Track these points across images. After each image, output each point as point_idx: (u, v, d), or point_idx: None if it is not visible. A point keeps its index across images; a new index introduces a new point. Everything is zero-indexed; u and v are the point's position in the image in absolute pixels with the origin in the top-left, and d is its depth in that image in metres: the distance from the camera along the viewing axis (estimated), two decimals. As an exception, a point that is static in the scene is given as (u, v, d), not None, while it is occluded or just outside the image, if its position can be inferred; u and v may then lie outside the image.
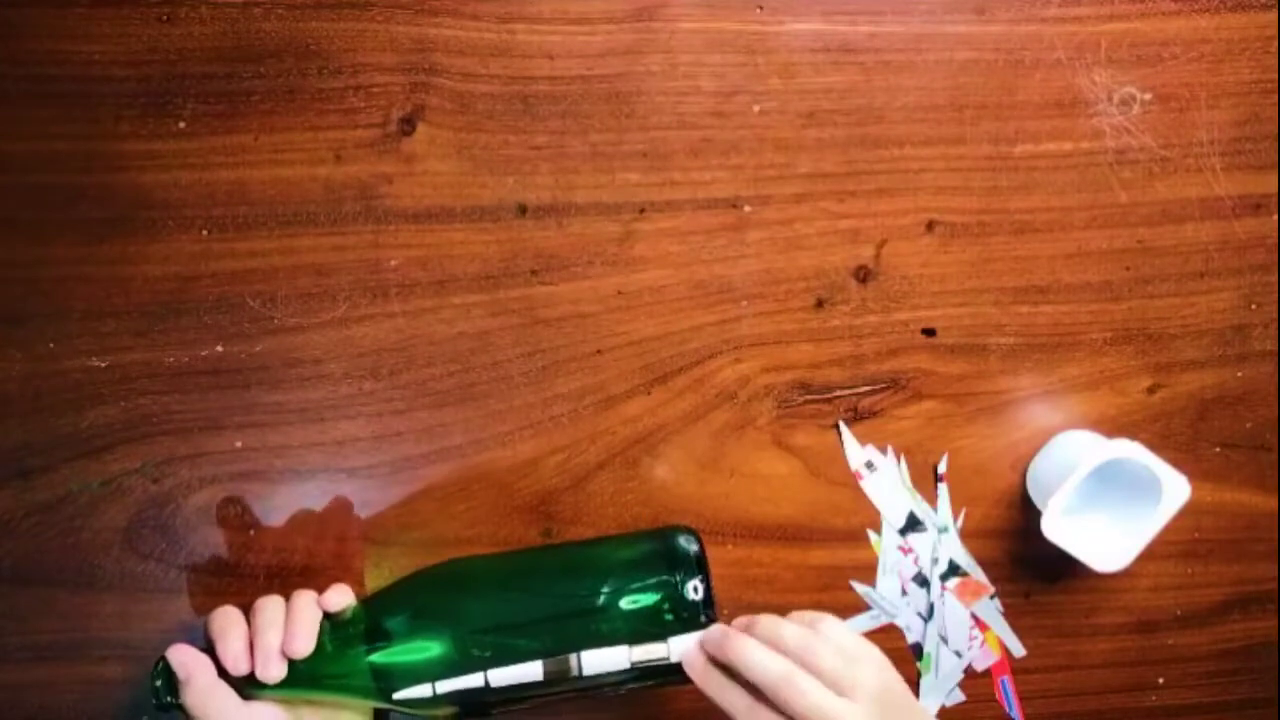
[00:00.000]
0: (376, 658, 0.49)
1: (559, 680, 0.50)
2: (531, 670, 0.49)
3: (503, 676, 0.49)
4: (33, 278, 0.54)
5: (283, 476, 0.56)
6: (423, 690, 0.49)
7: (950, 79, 0.58)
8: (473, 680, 0.49)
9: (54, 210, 0.54)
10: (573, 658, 0.49)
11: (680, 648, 0.50)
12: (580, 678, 0.50)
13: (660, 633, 0.50)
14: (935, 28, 0.57)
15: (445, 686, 0.49)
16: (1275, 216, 0.60)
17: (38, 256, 0.54)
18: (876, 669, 0.48)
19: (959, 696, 0.62)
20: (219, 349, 0.56)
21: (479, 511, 0.58)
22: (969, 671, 0.62)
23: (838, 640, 0.48)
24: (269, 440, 0.56)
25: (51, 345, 0.55)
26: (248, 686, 0.49)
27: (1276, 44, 0.59)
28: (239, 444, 0.56)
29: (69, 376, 0.55)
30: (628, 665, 0.50)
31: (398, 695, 0.49)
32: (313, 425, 0.56)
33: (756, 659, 0.46)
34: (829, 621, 0.49)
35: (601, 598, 0.50)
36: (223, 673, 0.48)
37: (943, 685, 0.61)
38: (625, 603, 0.50)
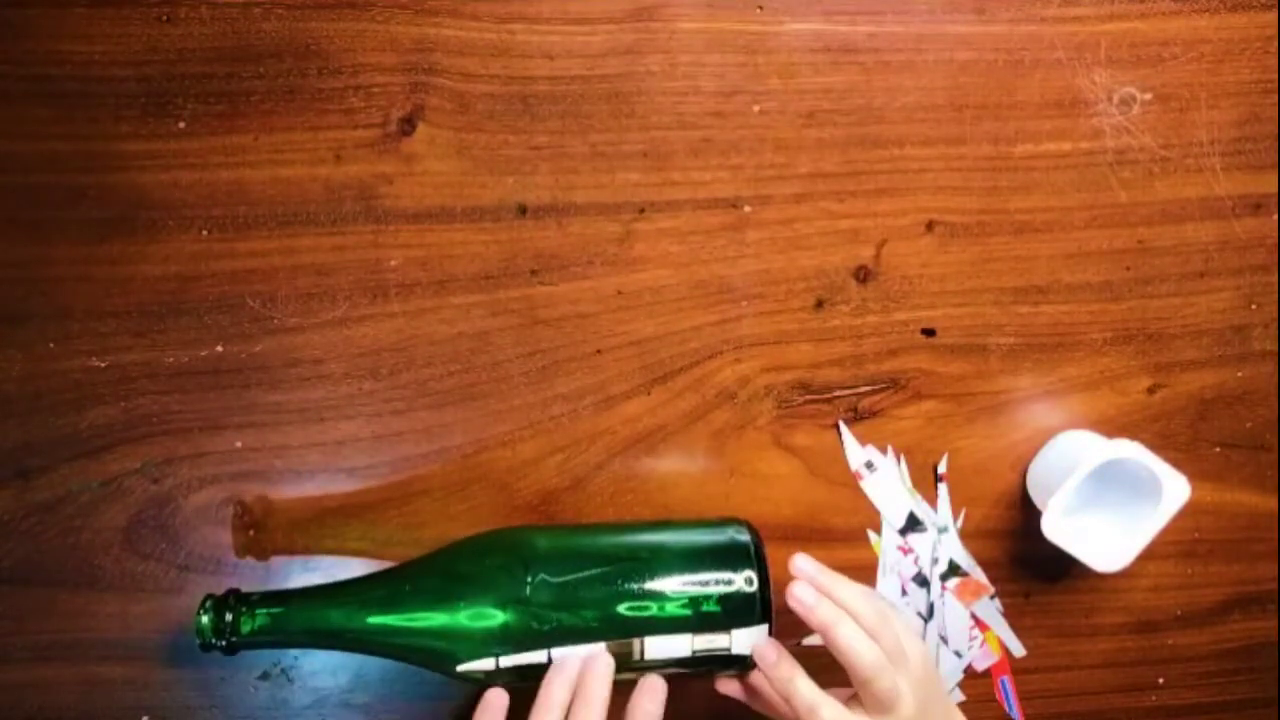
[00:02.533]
0: (440, 625, 0.49)
1: (620, 662, 0.50)
2: (594, 650, 0.49)
3: (566, 655, 0.49)
4: (33, 278, 0.54)
5: (283, 476, 0.56)
6: (486, 663, 0.49)
7: (950, 79, 0.58)
8: (536, 656, 0.49)
9: (54, 210, 0.54)
10: (636, 641, 0.50)
11: (745, 640, 0.50)
12: (641, 661, 0.50)
13: (723, 624, 0.50)
14: (935, 28, 0.57)
15: (509, 661, 0.49)
16: (1275, 216, 0.60)
17: (38, 256, 0.54)
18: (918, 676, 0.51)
19: (959, 696, 0.62)
20: (219, 349, 0.56)
21: (479, 511, 0.58)
22: (969, 671, 0.62)
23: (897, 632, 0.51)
24: (269, 440, 0.56)
25: (51, 345, 0.55)
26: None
27: (1276, 44, 0.59)
28: (239, 444, 0.56)
29: (69, 376, 0.55)
30: (689, 653, 0.50)
31: (461, 667, 0.49)
32: (313, 425, 0.56)
33: (801, 694, 0.49)
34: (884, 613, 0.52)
35: (672, 586, 0.50)
36: None
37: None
38: (694, 593, 0.50)
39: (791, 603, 0.50)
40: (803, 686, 0.49)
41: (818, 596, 0.50)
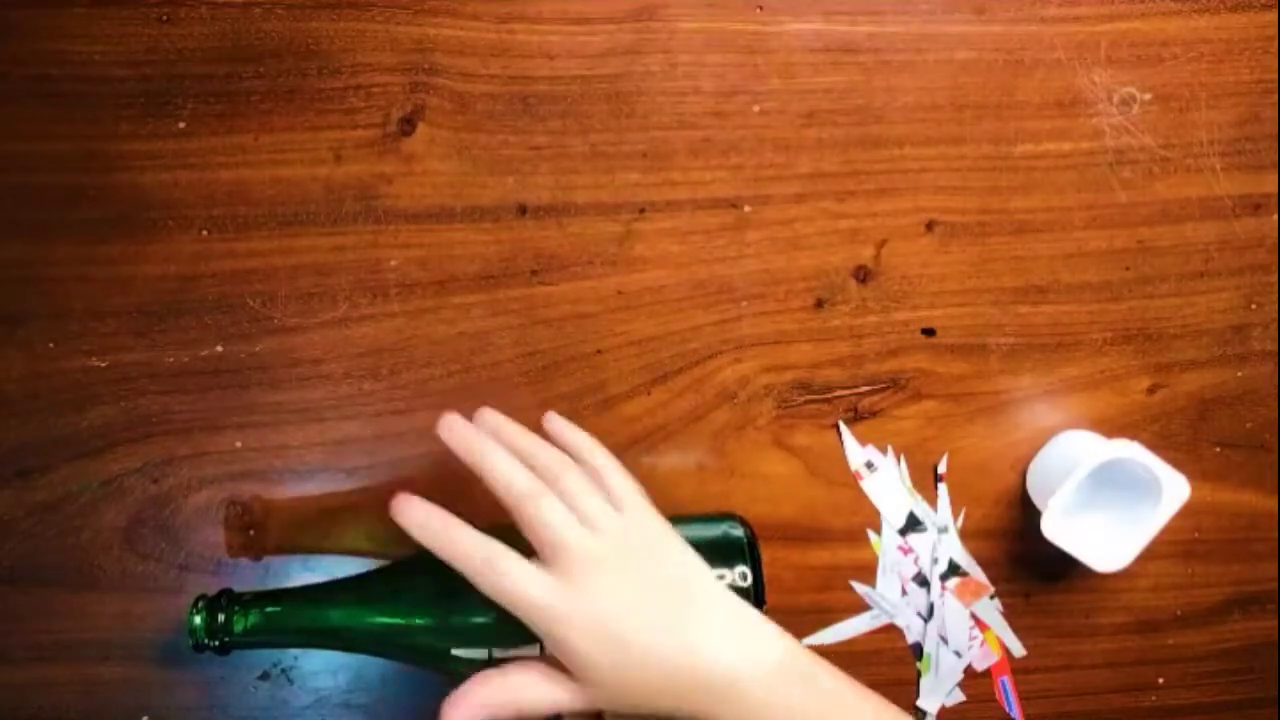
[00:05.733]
0: (433, 623, 0.49)
1: None
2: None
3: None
4: (33, 278, 0.54)
5: (283, 476, 0.56)
6: (478, 653, 0.49)
7: (950, 79, 0.58)
8: (529, 650, 0.49)
9: (54, 210, 0.54)
10: None
11: None
12: None
13: None
14: (935, 28, 0.57)
15: (501, 654, 0.49)
16: (1275, 216, 0.60)
17: (38, 256, 0.54)
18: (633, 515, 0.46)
19: (959, 696, 0.62)
20: (219, 349, 0.56)
21: (479, 511, 0.58)
22: (969, 671, 0.62)
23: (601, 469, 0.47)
24: (269, 440, 0.56)
25: (51, 345, 0.55)
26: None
27: (1276, 44, 0.59)
28: (239, 444, 0.56)
29: (69, 376, 0.55)
30: None
31: (455, 652, 0.49)
32: (313, 425, 0.56)
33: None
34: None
35: None
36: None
37: (943, 685, 0.61)
38: None
39: (442, 432, 0.46)
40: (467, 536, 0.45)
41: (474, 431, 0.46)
